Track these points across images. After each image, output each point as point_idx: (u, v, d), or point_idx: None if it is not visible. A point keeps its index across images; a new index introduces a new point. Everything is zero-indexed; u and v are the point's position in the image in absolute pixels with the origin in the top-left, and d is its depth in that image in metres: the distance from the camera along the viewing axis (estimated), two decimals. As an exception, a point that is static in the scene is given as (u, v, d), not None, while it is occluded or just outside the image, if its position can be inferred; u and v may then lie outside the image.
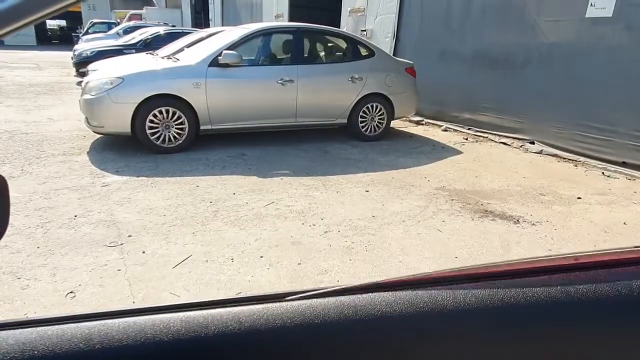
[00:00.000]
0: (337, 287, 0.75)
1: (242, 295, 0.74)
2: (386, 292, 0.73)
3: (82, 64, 9.45)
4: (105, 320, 0.63)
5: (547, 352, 0.76)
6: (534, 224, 3.41)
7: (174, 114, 4.65)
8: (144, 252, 2.71)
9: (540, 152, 5.60)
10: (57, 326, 0.62)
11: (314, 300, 0.71)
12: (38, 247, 2.69)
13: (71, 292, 2.29)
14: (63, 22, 34.08)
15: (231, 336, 0.65)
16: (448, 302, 0.73)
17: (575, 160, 5.24)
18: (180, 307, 0.67)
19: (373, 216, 3.41)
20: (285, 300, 0.70)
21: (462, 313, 0.73)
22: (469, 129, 6.70)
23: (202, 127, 4.87)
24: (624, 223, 3.52)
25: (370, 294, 0.73)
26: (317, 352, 0.68)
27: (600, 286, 0.78)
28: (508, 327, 0.75)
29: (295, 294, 0.72)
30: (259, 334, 0.66)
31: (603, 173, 4.83)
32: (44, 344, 0.60)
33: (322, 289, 0.73)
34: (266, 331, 0.66)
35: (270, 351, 0.67)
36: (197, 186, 3.83)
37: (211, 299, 0.69)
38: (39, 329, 0.63)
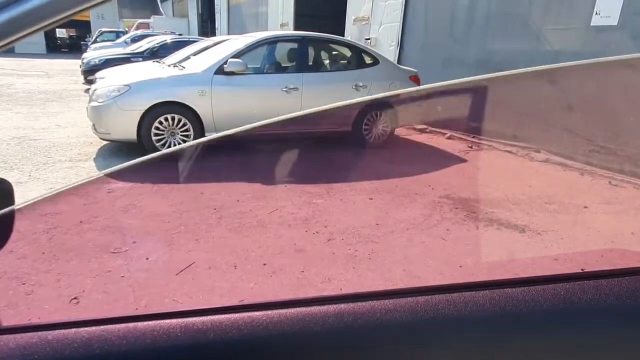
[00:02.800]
0: (336, 295, 0.75)
1: (244, 302, 0.74)
2: (386, 300, 0.73)
3: (90, 71, 9.56)
4: (106, 326, 0.64)
5: None
6: (539, 233, 3.39)
7: (179, 121, 4.69)
8: (147, 259, 2.72)
9: (546, 161, 5.57)
10: (57, 331, 0.63)
11: (313, 307, 0.71)
12: (43, 253, 2.71)
13: (75, 298, 2.30)
14: (72, 31, 34.52)
15: (230, 343, 0.65)
16: (448, 309, 0.73)
17: (582, 169, 5.20)
18: (179, 313, 0.68)
19: (377, 224, 3.40)
20: (284, 308, 0.70)
21: (462, 321, 0.73)
22: (473, 137, 6.69)
23: (207, 134, 4.90)
24: (632, 233, 3.48)
25: (369, 302, 0.73)
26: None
27: (604, 296, 0.77)
28: (509, 336, 0.74)
29: (294, 302, 0.72)
30: (258, 341, 0.66)
31: (610, 182, 4.79)
32: (44, 348, 0.61)
33: (321, 297, 0.73)
34: (265, 338, 0.66)
35: (269, 358, 0.67)
36: (202, 193, 3.85)
37: (211, 306, 0.70)
38: (39, 333, 0.63)
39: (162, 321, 0.65)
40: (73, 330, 0.63)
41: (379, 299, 0.73)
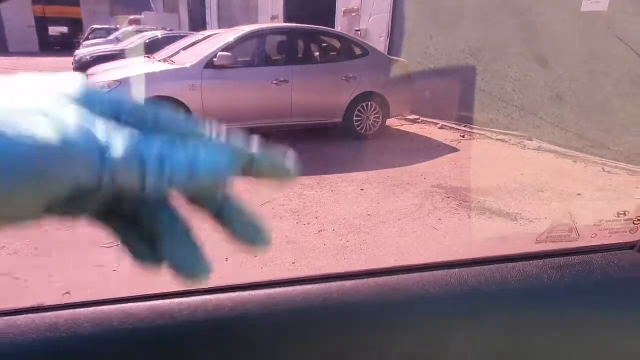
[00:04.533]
0: (305, 277, 0.75)
1: (214, 285, 0.75)
2: (355, 281, 0.74)
3: (82, 69, 9.50)
4: (74, 310, 0.65)
5: (518, 339, 0.76)
6: (532, 221, 3.40)
7: (170, 116, 4.67)
8: (139, 253, 2.72)
9: (538, 149, 5.58)
10: (25, 316, 0.64)
11: (280, 289, 0.72)
12: (36, 249, 2.71)
13: (67, 292, 2.31)
14: (65, 29, 34.17)
15: (197, 324, 0.66)
16: (416, 288, 0.74)
17: (575, 157, 5.21)
18: (148, 297, 0.69)
19: (368, 215, 3.42)
20: (251, 290, 0.71)
21: (431, 300, 0.74)
22: (465, 126, 6.69)
23: (199, 129, 4.88)
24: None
25: (338, 283, 0.74)
26: (282, 342, 0.70)
27: (575, 272, 0.78)
28: (478, 314, 0.75)
29: (263, 284, 0.73)
30: (226, 323, 0.67)
31: (603, 169, 4.80)
32: (13, 332, 0.62)
33: (289, 279, 0.74)
34: (232, 320, 0.67)
35: (234, 340, 0.68)
36: (193, 187, 3.84)
37: (180, 290, 0.71)
38: (6, 318, 0.64)
39: (130, 304, 0.66)
40: (41, 314, 0.64)
41: (348, 279, 0.74)
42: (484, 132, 6.35)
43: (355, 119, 5.69)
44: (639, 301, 0.76)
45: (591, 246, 0.84)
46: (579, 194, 4.03)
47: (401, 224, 3.28)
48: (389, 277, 0.75)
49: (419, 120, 7.32)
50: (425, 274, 0.76)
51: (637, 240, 0.81)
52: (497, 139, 6.07)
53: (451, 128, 6.78)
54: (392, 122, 6.71)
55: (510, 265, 0.78)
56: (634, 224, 0.83)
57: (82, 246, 2.76)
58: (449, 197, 3.82)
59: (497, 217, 3.48)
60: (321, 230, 3.13)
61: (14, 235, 2.84)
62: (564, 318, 0.77)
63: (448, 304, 0.74)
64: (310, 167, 4.60)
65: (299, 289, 0.72)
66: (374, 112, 5.77)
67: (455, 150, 5.54)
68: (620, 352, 0.77)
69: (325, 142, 5.66)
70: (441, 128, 6.84)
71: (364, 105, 5.68)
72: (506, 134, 6.09)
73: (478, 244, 3.13)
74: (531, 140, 5.79)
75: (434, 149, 5.55)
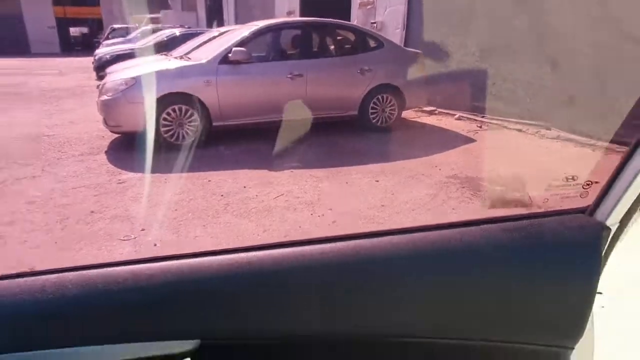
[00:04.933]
0: (265, 244, 0.79)
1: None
2: (315, 245, 0.78)
3: (102, 67, 9.68)
4: (60, 274, 0.69)
5: (469, 296, 0.78)
6: (547, 210, 3.35)
7: (186, 111, 4.74)
8: (155, 245, 2.79)
9: (557, 138, 5.47)
10: (18, 279, 0.69)
11: (237, 255, 0.77)
12: (56, 242, 2.81)
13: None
14: (85, 29, 34.84)
15: (177, 285, 0.72)
16: (375, 252, 0.77)
17: (593, 145, 5.10)
18: (129, 262, 0.74)
19: (382, 205, 3.42)
20: (223, 255, 0.76)
21: (387, 261, 0.77)
22: (482, 117, 6.60)
23: (214, 124, 4.94)
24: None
25: (294, 248, 0.78)
26: (248, 302, 0.74)
27: (523, 235, 0.80)
28: (432, 273, 0.78)
29: (221, 251, 0.77)
30: (204, 284, 0.73)
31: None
32: (6, 294, 0.67)
33: (248, 247, 0.78)
34: (200, 281, 0.73)
35: (210, 299, 0.73)
36: (209, 181, 3.91)
37: (159, 255, 0.76)
38: (2, 282, 0.70)
39: (112, 269, 0.71)
40: (32, 278, 0.69)
41: (306, 244, 0.78)
42: (501, 122, 6.26)
43: (370, 111, 5.66)
44: (588, 262, 0.78)
45: (544, 211, 0.85)
46: (596, 182, 3.94)
47: (414, 214, 3.27)
48: (349, 242, 0.79)
49: (436, 112, 7.25)
50: (384, 239, 0.79)
51: (588, 205, 0.82)
52: (515, 129, 5.98)
53: (468, 119, 6.70)
54: (408, 114, 6.66)
55: (465, 229, 0.81)
56: (583, 188, 0.84)
57: (101, 239, 2.84)
58: (463, 187, 3.79)
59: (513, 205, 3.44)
60: (335, 221, 3.15)
61: (35, 230, 2.95)
62: (515, 276, 0.79)
63: (401, 265, 0.77)
64: (326, 159, 4.62)
65: (271, 252, 0.77)
66: (390, 104, 5.72)
67: (471, 140, 5.47)
68: (568, 307, 0.79)
69: (341, 134, 5.65)
70: (458, 119, 6.76)
71: (379, 97, 5.64)
72: (524, 124, 5.99)
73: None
74: (549, 129, 5.68)
75: (450, 140, 5.49)
